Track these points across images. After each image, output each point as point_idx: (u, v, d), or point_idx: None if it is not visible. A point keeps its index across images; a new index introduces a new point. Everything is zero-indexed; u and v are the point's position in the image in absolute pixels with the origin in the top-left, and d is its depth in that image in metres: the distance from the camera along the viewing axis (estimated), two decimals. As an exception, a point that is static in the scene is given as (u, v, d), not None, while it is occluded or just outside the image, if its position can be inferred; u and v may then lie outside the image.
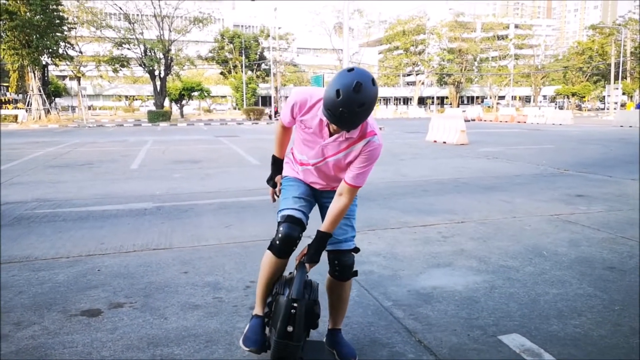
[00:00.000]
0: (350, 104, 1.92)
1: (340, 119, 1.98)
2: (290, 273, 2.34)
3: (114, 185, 7.95)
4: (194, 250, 4.34)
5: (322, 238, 2.25)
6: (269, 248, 2.31)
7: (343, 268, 2.37)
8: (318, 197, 2.49)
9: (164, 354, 2.53)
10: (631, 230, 4.87)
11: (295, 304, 2.13)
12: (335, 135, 2.18)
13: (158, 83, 41.98)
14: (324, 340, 2.55)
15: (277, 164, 2.55)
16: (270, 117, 40.90)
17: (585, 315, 2.96)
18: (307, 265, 2.24)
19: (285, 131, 2.48)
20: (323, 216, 2.44)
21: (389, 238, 4.70)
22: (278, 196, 2.53)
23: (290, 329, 2.13)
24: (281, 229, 2.27)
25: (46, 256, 4.16)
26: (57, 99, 50.59)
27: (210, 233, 4.91)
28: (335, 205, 2.24)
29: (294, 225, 2.27)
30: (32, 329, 2.82)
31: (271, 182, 2.56)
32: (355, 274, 2.43)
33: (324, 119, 2.12)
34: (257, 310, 2.41)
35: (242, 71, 53.12)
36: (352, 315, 2.96)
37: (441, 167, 10.15)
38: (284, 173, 2.53)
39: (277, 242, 2.27)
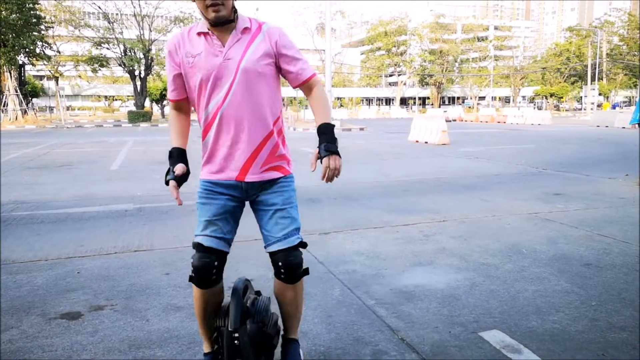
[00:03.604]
0: None
1: None
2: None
3: (94, 187, 7.83)
4: (175, 251, 4.30)
5: (326, 128, 1.97)
6: (190, 280, 2.06)
7: (290, 268, 2.04)
8: (247, 195, 2.08)
9: (145, 356, 2.51)
10: (608, 228, 4.99)
11: (236, 335, 1.92)
12: (231, 36, 1.92)
13: (138, 83, 41.47)
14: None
15: (176, 156, 2.04)
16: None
17: (563, 311, 3.02)
18: (328, 158, 1.90)
19: (181, 113, 2.10)
20: (258, 216, 2.10)
21: (372, 237, 4.73)
22: (192, 274, 2.06)
23: None
24: (193, 260, 2.02)
25: (24, 259, 4.09)
26: (34, 100, 49.53)
27: (191, 234, 4.81)
28: (314, 97, 2.04)
29: (205, 255, 2.00)
30: (9, 333, 2.76)
31: (170, 174, 1.98)
32: (306, 272, 2.11)
33: (205, 29, 1.92)
34: (205, 348, 2.23)
35: (224, 71, 52.71)
36: (335, 315, 2.97)
37: (423, 167, 10.25)
38: (200, 176, 2.12)
39: (193, 274, 2.04)
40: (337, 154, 1.93)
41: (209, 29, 1.94)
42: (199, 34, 1.95)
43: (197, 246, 2.03)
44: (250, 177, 2.03)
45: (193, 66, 1.94)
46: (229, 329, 1.92)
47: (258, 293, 2.19)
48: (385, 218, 5.50)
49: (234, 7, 1.93)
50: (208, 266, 2.00)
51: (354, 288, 3.42)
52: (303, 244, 2.08)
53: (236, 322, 1.92)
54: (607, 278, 3.58)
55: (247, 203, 2.15)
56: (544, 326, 2.82)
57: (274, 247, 2.04)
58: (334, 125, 2.00)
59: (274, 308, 2.25)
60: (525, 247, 4.35)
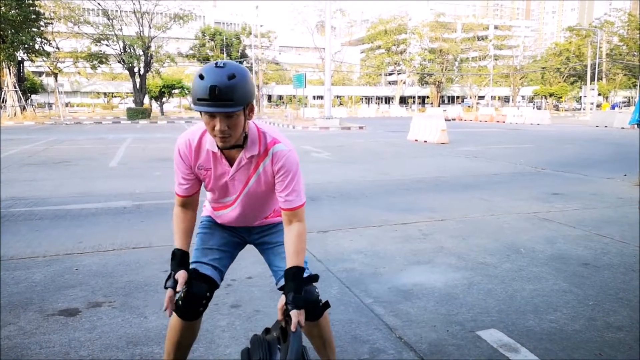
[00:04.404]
0: (218, 77, 1.66)
1: (212, 96, 1.65)
2: (268, 329, 1.85)
3: (92, 184, 7.83)
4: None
5: (295, 274, 1.81)
6: (174, 310, 1.91)
7: (309, 305, 1.90)
8: (250, 237, 2.15)
9: (143, 353, 2.51)
10: (606, 228, 5.00)
11: None
12: (237, 161, 1.88)
13: (137, 80, 41.39)
14: None
15: (179, 259, 1.88)
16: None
17: (561, 311, 3.02)
18: (297, 313, 1.71)
19: (186, 211, 1.99)
20: (265, 256, 2.14)
21: (370, 236, 4.73)
22: (179, 302, 1.93)
23: None
24: (184, 286, 1.88)
25: (22, 255, 4.08)
26: (33, 96, 49.45)
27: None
28: (289, 235, 1.88)
29: (198, 282, 1.91)
30: (7, 329, 2.76)
31: (170, 280, 1.83)
32: (327, 305, 1.97)
33: (215, 149, 1.85)
34: None
35: (223, 69, 52.62)
36: (333, 313, 2.97)
37: (422, 166, 10.25)
38: (203, 214, 2.15)
39: (180, 302, 1.91)
40: (302, 307, 1.78)
41: (218, 148, 1.86)
42: (207, 150, 1.90)
43: (192, 273, 1.92)
44: (256, 224, 2.13)
45: (204, 177, 1.96)
46: None
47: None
48: (384, 217, 5.50)
49: (244, 132, 1.82)
50: (199, 294, 1.92)
51: (352, 286, 3.42)
52: (314, 277, 1.95)
53: None
54: (604, 278, 3.59)
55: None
56: (542, 325, 2.83)
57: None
58: (304, 270, 1.86)
59: None
60: (524, 247, 4.36)
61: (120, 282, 3.50)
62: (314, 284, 1.95)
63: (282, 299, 1.80)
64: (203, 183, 1.99)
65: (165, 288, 1.82)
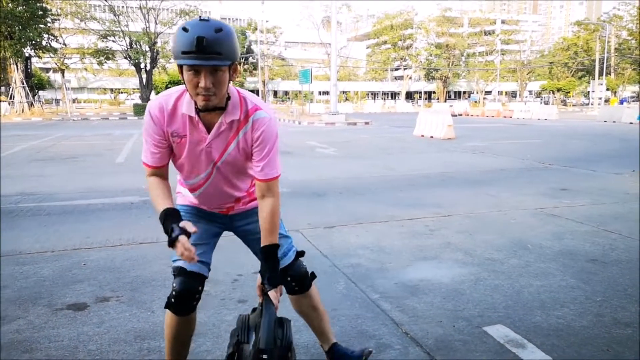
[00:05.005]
0: (204, 29, 1.58)
1: (200, 48, 1.56)
2: (254, 309, 1.92)
3: (100, 179, 7.87)
4: (181, 244, 4.31)
5: (269, 253, 1.85)
6: (167, 306, 1.92)
7: (299, 280, 2.07)
8: (231, 225, 2.10)
9: (151, 347, 2.53)
10: (614, 223, 4.96)
11: (264, 356, 1.70)
12: (216, 126, 1.78)
13: (144, 76, 41.55)
14: None
15: (169, 216, 1.77)
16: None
17: (568, 307, 3.01)
18: (275, 292, 1.81)
19: (162, 178, 1.89)
20: (250, 245, 2.13)
21: (377, 231, 4.73)
22: (171, 299, 1.92)
23: None
24: (174, 284, 1.90)
25: (30, 250, 4.12)
26: (40, 92, 49.73)
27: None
28: (263, 210, 1.85)
29: (188, 279, 1.90)
30: (17, 323, 2.79)
31: (176, 231, 1.70)
32: (314, 276, 2.12)
33: (192, 113, 1.75)
34: None
35: (229, 65, 52.63)
36: (339, 308, 2.98)
37: (428, 161, 10.22)
38: (178, 201, 2.06)
39: (173, 299, 1.90)
40: (280, 283, 1.88)
41: (195, 112, 1.76)
42: (183, 115, 1.79)
43: (179, 270, 1.90)
44: (234, 211, 2.06)
45: (177, 146, 1.84)
46: (260, 347, 1.70)
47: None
48: (390, 212, 5.49)
49: (227, 93, 1.74)
50: (192, 290, 1.90)
51: (359, 282, 3.42)
52: (301, 253, 2.09)
53: (269, 342, 1.72)
54: (612, 274, 3.57)
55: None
56: (549, 321, 2.81)
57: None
58: (278, 247, 1.88)
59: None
60: (531, 243, 4.34)
61: (128, 277, 3.52)
62: (300, 259, 2.08)
63: (259, 277, 1.86)
64: (177, 155, 1.87)
65: (171, 244, 1.70)
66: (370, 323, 2.80)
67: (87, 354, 2.46)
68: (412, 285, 3.36)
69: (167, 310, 1.95)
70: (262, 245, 1.87)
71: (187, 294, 1.90)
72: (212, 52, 1.58)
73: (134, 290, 3.27)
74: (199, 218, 2.02)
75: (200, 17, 1.63)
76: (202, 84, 1.62)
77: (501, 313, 2.92)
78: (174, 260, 1.92)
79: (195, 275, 1.91)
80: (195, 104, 1.72)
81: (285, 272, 2.03)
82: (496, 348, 2.52)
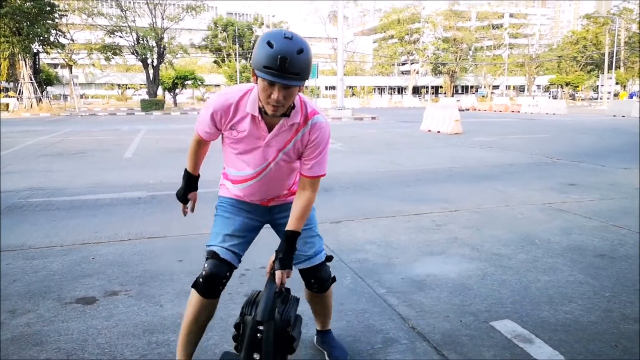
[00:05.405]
0: (288, 49, 1.69)
1: (282, 67, 1.68)
2: (260, 292, 2.02)
3: (108, 174, 7.92)
4: (188, 238, 4.35)
5: (290, 238, 1.97)
6: (194, 286, 2.05)
7: (321, 282, 2.21)
8: (270, 217, 2.22)
9: (159, 341, 2.55)
10: (622, 219, 4.93)
11: (261, 327, 1.84)
12: (277, 127, 1.91)
13: (151, 71, 41.64)
14: (314, 340, 2.48)
15: (189, 180, 2.23)
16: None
17: (576, 302, 3.00)
18: (281, 273, 1.93)
19: (202, 146, 2.15)
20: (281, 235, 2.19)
21: (384, 226, 4.72)
22: (191, 211, 2.30)
23: (257, 356, 1.84)
24: (206, 265, 2.01)
25: (40, 245, 4.16)
26: (48, 88, 50.07)
27: (204, 222, 4.87)
28: (300, 200, 2.00)
29: (220, 264, 2.01)
30: (27, 316, 2.82)
31: (182, 197, 2.26)
32: (334, 280, 2.27)
33: (255, 113, 1.88)
34: (179, 355, 2.13)
35: (235, 60, 52.75)
36: (346, 302, 2.99)
37: (435, 156, 10.18)
38: (220, 194, 2.22)
39: (201, 280, 2.01)
40: (290, 267, 1.98)
41: (259, 112, 1.89)
42: (247, 113, 1.92)
43: (213, 254, 2.03)
44: (274, 203, 2.18)
45: (234, 140, 1.99)
46: (256, 319, 1.85)
47: (287, 291, 2.09)
48: (397, 207, 5.49)
49: (292, 104, 1.87)
50: (220, 275, 2.01)
51: (365, 277, 3.43)
52: (329, 258, 2.24)
53: (264, 314, 1.84)
54: (621, 269, 3.54)
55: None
56: (557, 316, 2.81)
57: (305, 265, 2.17)
58: (299, 234, 2.00)
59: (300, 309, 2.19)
60: (539, 238, 4.32)
61: (136, 271, 3.55)
62: (327, 264, 2.22)
63: (273, 256, 1.98)
64: (231, 147, 2.02)
65: (179, 199, 2.26)
66: (377, 318, 2.80)
67: (96, 347, 2.49)
68: (419, 280, 3.35)
69: (193, 290, 2.05)
70: (286, 228, 1.99)
71: (215, 277, 2.00)
72: (292, 73, 1.71)
73: (143, 285, 3.29)
74: (240, 211, 2.15)
75: (284, 33, 1.73)
76: (274, 96, 1.75)
77: (508, 308, 2.92)
78: (208, 245, 2.07)
79: (225, 262, 2.03)
80: (262, 107, 1.86)
81: (311, 272, 2.18)
82: (503, 343, 2.52)
